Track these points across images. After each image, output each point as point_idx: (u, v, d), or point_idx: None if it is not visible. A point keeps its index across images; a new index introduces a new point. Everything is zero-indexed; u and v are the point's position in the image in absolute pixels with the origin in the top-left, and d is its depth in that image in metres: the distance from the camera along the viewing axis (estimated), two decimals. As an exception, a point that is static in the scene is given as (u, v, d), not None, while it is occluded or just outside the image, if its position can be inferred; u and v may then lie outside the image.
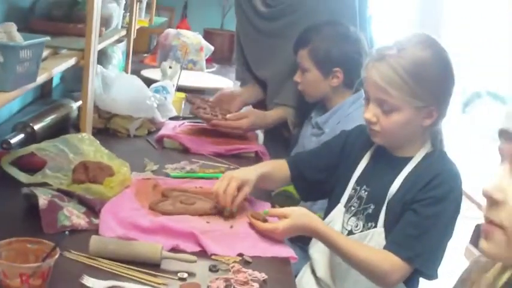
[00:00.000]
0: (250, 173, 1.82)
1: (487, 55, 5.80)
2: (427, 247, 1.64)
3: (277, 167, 1.95)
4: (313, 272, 1.89)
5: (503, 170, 0.97)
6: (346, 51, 2.22)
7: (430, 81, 1.65)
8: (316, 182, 1.93)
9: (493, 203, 0.96)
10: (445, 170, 1.69)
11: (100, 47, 2.24)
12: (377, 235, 1.71)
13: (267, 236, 1.68)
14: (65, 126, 2.33)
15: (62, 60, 1.85)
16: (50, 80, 2.86)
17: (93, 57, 2.01)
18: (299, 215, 1.68)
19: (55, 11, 2.33)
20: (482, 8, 3.62)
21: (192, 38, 3.71)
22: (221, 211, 1.77)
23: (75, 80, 2.91)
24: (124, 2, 2.81)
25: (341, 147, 1.91)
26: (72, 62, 1.90)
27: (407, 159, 1.73)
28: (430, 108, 1.67)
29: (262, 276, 1.48)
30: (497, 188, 0.96)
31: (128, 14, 3.01)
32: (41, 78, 1.58)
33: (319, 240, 1.70)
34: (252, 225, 1.72)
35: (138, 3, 3.24)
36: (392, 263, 1.62)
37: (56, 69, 1.74)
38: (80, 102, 2.43)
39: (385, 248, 1.66)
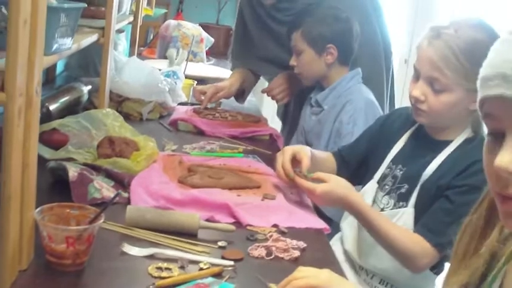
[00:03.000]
0: (302, 146, 1.86)
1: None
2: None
3: (324, 156, 1.97)
4: (343, 244, 1.88)
5: None
6: (337, 28, 2.24)
7: None
8: (358, 166, 1.94)
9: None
10: None
11: (117, 27, 2.23)
12: (406, 215, 1.69)
13: (300, 204, 1.74)
14: (76, 110, 2.30)
15: (86, 36, 1.83)
16: (54, 66, 2.83)
17: (112, 35, 2.01)
18: (340, 185, 1.67)
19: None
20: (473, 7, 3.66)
21: (193, 29, 3.70)
22: (251, 186, 1.78)
23: (79, 68, 2.90)
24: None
25: (379, 129, 1.91)
26: (94, 37, 1.90)
27: (447, 143, 1.69)
28: None
29: (301, 244, 1.47)
30: None
31: (135, 1, 3.00)
32: (73, 48, 1.56)
33: (354, 216, 1.69)
34: (285, 196, 1.76)
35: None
36: (424, 248, 1.60)
37: (84, 42, 1.73)
38: (89, 87, 2.41)
39: (416, 231, 1.64)
